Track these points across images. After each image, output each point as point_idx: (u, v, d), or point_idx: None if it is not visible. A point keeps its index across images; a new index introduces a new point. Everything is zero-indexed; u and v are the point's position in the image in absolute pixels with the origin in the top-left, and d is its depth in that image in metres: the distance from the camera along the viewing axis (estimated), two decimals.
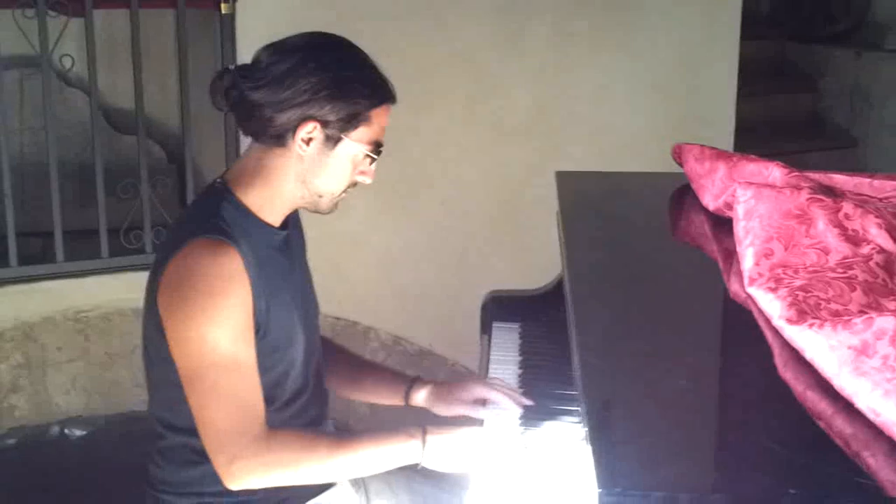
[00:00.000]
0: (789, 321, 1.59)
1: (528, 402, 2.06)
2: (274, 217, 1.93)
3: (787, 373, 1.56)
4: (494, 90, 3.86)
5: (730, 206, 2.16)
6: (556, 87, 3.92)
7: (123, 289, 3.46)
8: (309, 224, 2.14)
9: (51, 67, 3.45)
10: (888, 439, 1.33)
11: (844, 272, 1.73)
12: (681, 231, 2.43)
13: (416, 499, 2.18)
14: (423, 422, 1.95)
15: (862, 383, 1.39)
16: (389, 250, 3.81)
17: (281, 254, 1.95)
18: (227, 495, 1.89)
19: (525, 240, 3.82)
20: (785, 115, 5.67)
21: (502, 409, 2.04)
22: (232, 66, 1.91)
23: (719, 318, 1.92)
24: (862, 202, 1.98)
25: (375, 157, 1.91)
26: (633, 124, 3.99)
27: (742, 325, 1.77)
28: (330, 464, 1.88)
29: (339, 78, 1.85)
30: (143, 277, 3.37)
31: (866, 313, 1.54)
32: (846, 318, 1.50)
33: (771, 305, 1.68)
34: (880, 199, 2.11)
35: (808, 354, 1.53)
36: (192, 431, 1.85)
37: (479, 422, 2.03)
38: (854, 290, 1.67)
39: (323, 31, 1.94)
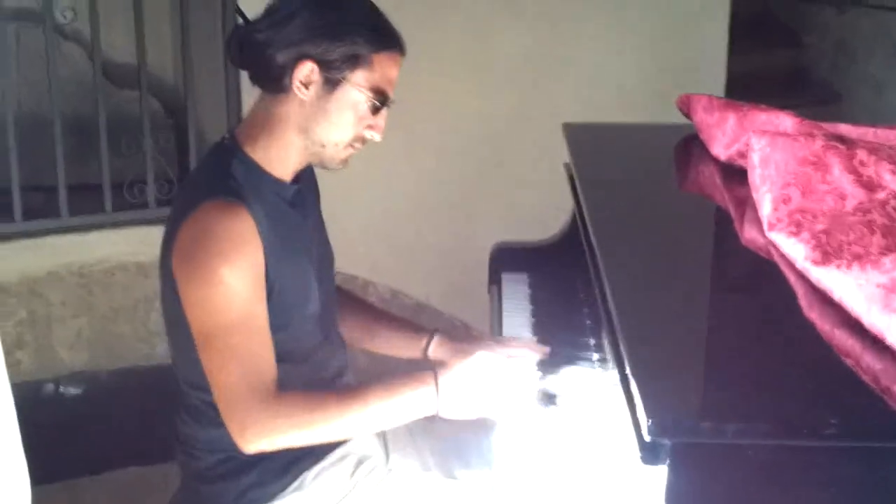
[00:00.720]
0: (815, 262, 1.64)
1: (547, 349, 2.08)
2: (284, 171, 1.92)
3: (813, 313, 1.61)
4: (488, 42, 3.86)
5: (742, 155, 2.21)
6: (550, 38, 3.93)
7: (127, 243, 3.48)
8: None
9: (53, 21, 3.43)
10: None
11: (863, 216, 1.78)
12: (690, 181, 2.48)
13: (436, 444, 2.19)
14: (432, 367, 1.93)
15: (893, 319, 1.44)
16: (385, 204, 3.82)
17: (293, 208, 1.95)
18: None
19: (521, 191, 3.83)
20: (768, 71, 5.70)
21: (523, 359, 2.05)
22: (245, 21, 1.92)
23: (740, 263, 1.96)
24: (874, 149, 2.03)
25: (379, 105, 1.88)
26: (626, 76, 4.01)
27: (762, 269, 1.82)
28: (343, 421, 1.87)
29: (339, 17, 1.84)
30: (146, 232, 3.45)
31: (886, 255, 1.60)
32: (873, 258, 1.56)
33: (794, 248, 1.73)
34: (890, 147, 2.16)
35: (837, 294, 1.58)
36: (208, 389, 1.86)
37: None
38: (874, 233, 1.72)
39: None
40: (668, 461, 1.30)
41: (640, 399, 1.33)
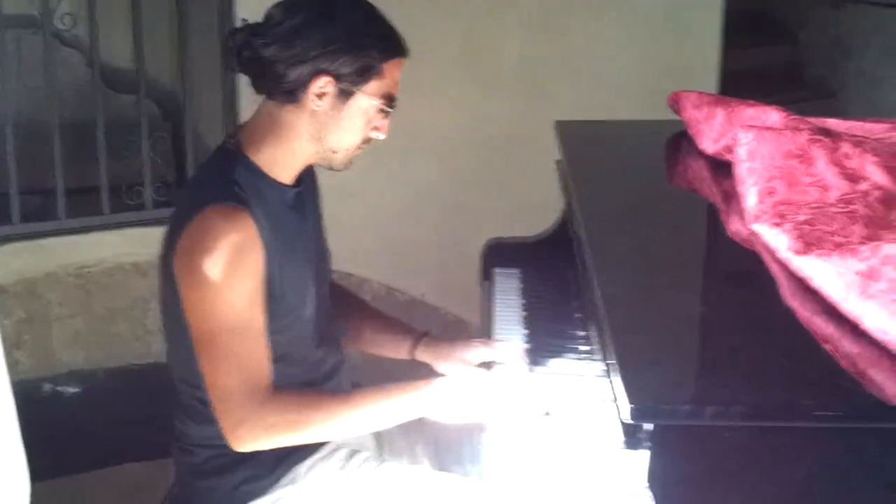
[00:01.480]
0: (797, 252, 1.67)
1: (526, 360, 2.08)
2: (286, 175, 1.95)
3: (794, 301, 1.64)
4: (485, 42, 3.90)
5: (729, 150, 2.23)
6: (545, 39, 3.96)
7: (124, 245, 3.52)
8: None
9: (52, 27, 3.47)
10: (892, 356, 1.42)
11: (845, 207, 1.81)
12: (679, 176, 2.51)
13: (428, 439, 2.22)
14: (424, 375, 1.98)
15: (869, 305, 1.47)
16: (382, 202, 3.85)
17: (293, 211, 1.97)
18: None
19: (516, 190, 3.86)
20: (764, 67, 5.72)
21: (507, 366, 2.07)
22: (243, 24, 1.91)
23: (725, 254, 2.00)
24: (858, 142, 2.06)
25: (389, 110, 1.92)
26: (621, 74, 4.04)
27: (745, 260, 1.85)
28: (335, 422, 1.91)
29: (350, 30, 1.86)
30: (143, 233, 3.48)
31: (865, 244, 1.63)
32: (853, 246, 1.59)
33: (777, 239, 1.76)
34: (874, 140, 2.19)
35: (816, 282, 1.61)
36: (203, 388, 1.89)
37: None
38: (855, 223, 1.75)
39: None
40: (649, 444, 1.33)
41: (622, 384, 1.36)
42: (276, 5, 1.90)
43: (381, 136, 1.96)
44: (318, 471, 2.04)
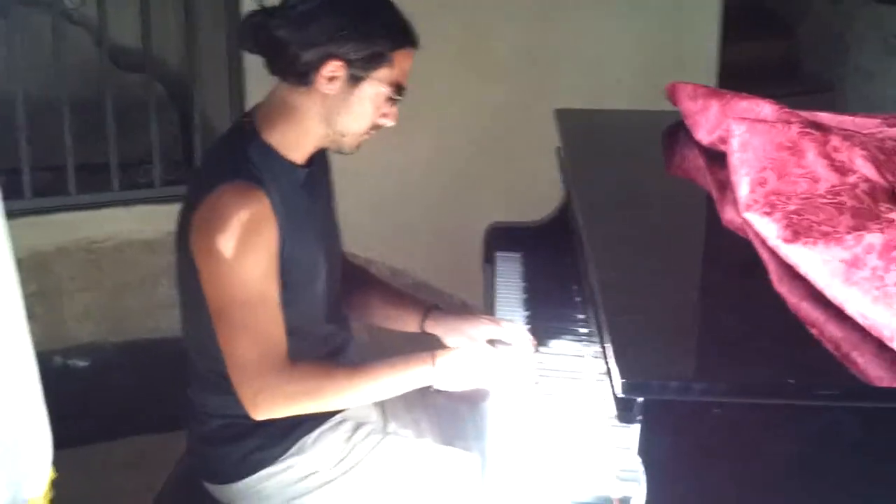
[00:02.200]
0: (785, 240, 1.76)
1: (534, 342, 2.16)
2: (298, 155, 2.02)
3: (782, 287, 1.73)
4: (486, 30, 3.96)
5: (723, 140, 2.31)
6: (545, 28, 4.02)
7: (134, 221, 3.58)
8: None
9: (61, 6, 3.54)
10: (875, 340, 1.50)
11: (833, 198, 1.89)
12: (675, 165, 2.59)
13: (432, 414, 2.31)
14: (431, 348, 2.06)
15: (852, 292, 1.56)
16: (388, 187, 3.92)
17: (304, 190, 2.04)
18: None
19: (515, 175, 3.93)
20: (761, 61, 5.78)
21: (511, 345, 2.15)
22: (260, 7, 1.99)
23: (718, 242, 2.07)
24: (848, 136, 2.14)
25: (398, 98, 2.00)
26: (620, 65, 4.10)
27: (737, 247, 1.93)
28: (348, 391, 2.01)
29: (362, 18, 1.94)
30: (152, 210, 3.55)
31: (850, 233, 1.71)
32: (837, 236, 1.67)
33: (767, 228, 1.84)
34: (864, 135, 2.27)
35: (803, 269, 1.69)
36: (219, 359, 1.97)
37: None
38: (842, 214, 1.83)
39: None
40: (640, 418, 1.42)
41: (615, 361, 1.45)
42: None
43: (389, 122, 2.03)
44: (324, 441, 2.12)
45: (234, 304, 1.93)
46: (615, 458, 1.71)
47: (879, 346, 1.49)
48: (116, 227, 3.60)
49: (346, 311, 2.28)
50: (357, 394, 2.02)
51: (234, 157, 1.99)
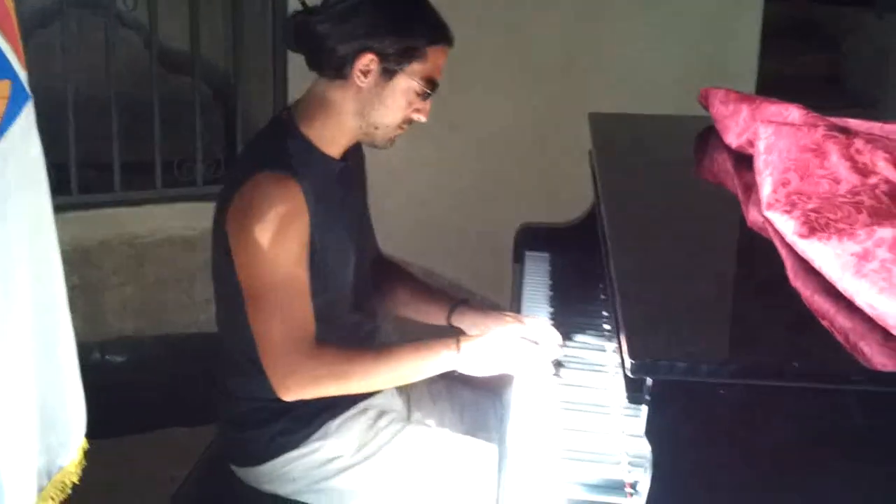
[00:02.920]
0: (801, 236, 1.78)
1: (562, 342, 2.17)
2: (334, 149, 2.10)
3: (798, 281, 1.75)
4: (526, 36, 4.02)
5: (751, 144, 2.34)
6: (586, 35, 4.07)
7: (176, 218, 3.68)
8: None
9: (114, 9, 3.64)
10: (882, 330, 1.53)
11: (853, 198, 1.91)
12: (705, 168, 2.61)
13: (455, 403, 2.37)
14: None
15: (862, 283, 1.58)
16: (421, 188, 3.98)
17: (338, 183, 2.11)
18: (281, 401, 2.07)
19: (551, 179, 3.96)
20: (807, 75, 5.79)
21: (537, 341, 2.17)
22: (303, 6, 2.08)
23: (740, 241, 2.11)
24: (872, 139, 2.16)
25: (430, 92, 2.06)
26: (658, 73, 4.13)
27: (758, 246, 1.96)
28: (374, 374, 2.06)
29: (398, 13, 2.02)
30: (193, 208, 3.63)
31: (863, 229, 1.73)
32: (851, 231, 1.70)
33: (786, 225, 1.87)
34: (890, 139, 2.28)
35: (817, 264, 1.72)
36: (250, 343, 2.03)
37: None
38: (860, 212, 1.85)
39: None
40: (649, 398, 1.45)
41: (625, 341, 1.49)
42: None
43: (422, 118, 2.09)
44: (348, 427, 2.17)
45: (265, 288, 1.99)
46: (628, 444, 1.76)
47: (886, 335, 1.51)
48: (158, 223, 3.70)
49: (377, 302, 2.33)
50: (383, 377, 2.07)
51: (273, 148, 2.07)
